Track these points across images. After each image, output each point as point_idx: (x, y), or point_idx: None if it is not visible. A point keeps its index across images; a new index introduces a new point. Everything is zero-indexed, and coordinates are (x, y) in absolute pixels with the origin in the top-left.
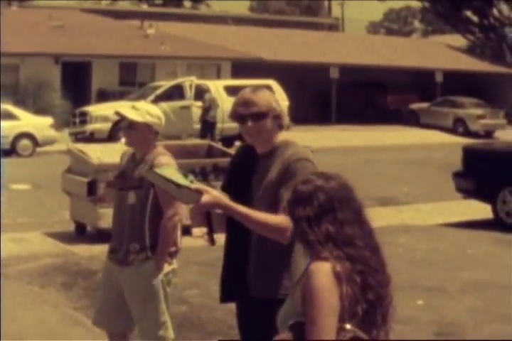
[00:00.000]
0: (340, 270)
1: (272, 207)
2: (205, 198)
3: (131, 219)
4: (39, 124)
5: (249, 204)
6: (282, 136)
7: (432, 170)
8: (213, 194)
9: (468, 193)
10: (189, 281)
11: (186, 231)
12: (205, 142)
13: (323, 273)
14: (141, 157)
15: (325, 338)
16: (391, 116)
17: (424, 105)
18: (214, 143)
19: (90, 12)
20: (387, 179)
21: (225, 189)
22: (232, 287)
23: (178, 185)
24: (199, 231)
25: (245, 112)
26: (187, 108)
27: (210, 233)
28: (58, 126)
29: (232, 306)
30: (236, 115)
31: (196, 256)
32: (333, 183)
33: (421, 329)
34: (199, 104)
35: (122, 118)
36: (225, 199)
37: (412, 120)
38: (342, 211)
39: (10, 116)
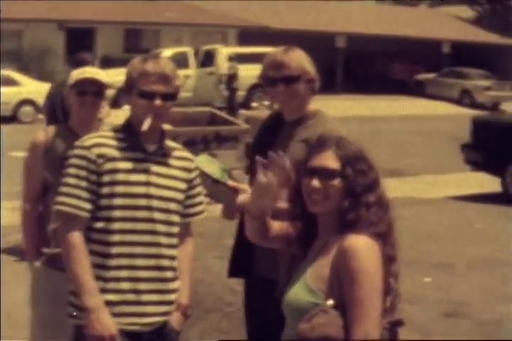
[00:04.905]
0: (381, 246)
1: None
2: (241, 198)
3: None
4: (41, 91)
5: None
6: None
7: (438, 141)
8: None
9: (476, 166)
10: None
11: None
12: (207, 109)
13: (370, 250)
14: None
15: (374, 320)
16: (396, 86)
17: (430, 76)
18: (217, 111)
19: None
20: (393, 150)
21: (249, 155)
22: (240, 263)
23: (215, 180)
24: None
25: (276, 75)
26: (214, 74)
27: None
28: None
29: (230, 282)
30: (266, 78)
31: (196, 227)
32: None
33: (429, 309)
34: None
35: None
36: None
37: (418, 90)
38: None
39: (12, 83)
